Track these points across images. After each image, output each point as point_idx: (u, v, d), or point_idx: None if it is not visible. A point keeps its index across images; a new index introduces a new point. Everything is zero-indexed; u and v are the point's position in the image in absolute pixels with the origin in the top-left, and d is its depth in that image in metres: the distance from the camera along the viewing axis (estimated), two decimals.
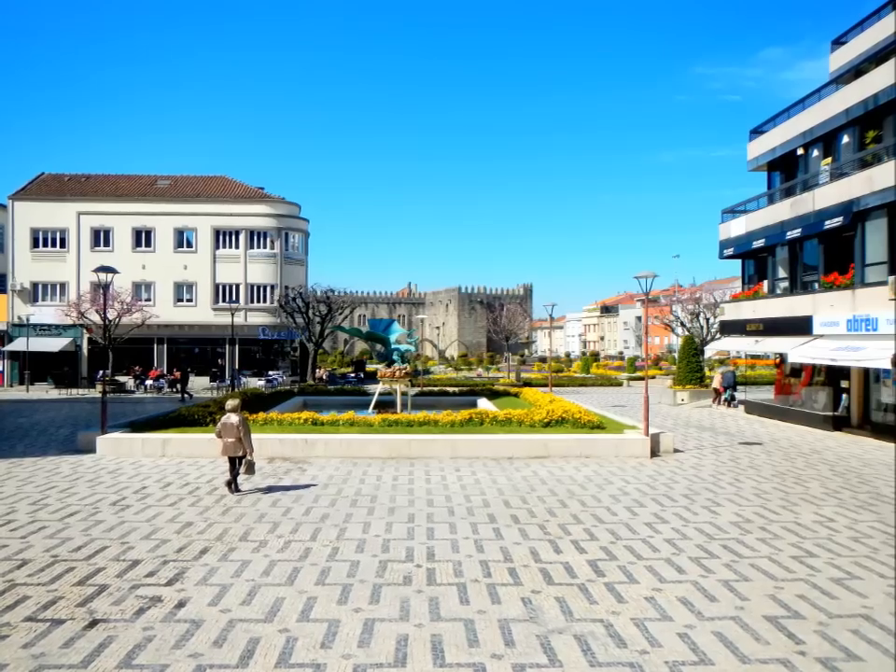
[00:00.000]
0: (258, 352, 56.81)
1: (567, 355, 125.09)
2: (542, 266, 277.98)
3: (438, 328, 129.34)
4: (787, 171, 31.67)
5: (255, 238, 55.82)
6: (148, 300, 53.98)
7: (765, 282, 32.40)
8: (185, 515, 13.32)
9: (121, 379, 49.02)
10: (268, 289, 56.00)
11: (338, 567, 10.28)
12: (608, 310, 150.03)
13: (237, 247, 55.53)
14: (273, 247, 56.11)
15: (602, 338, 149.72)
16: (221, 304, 53.62)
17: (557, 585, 9.53)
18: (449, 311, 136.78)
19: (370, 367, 64.40)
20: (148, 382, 48.21)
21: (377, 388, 28.50)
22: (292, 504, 14.20)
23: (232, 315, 46.31)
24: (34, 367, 51.06)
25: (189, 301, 55.29)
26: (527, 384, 49.02)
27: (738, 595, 9.15)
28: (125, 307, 48.11)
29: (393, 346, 27.87)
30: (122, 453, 20.18)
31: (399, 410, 25.80)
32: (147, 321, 50.39)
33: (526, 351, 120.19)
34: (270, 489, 15.64)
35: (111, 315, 44.75)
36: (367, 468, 18.32)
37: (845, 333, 24.45)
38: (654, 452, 20.68)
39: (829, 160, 27.79)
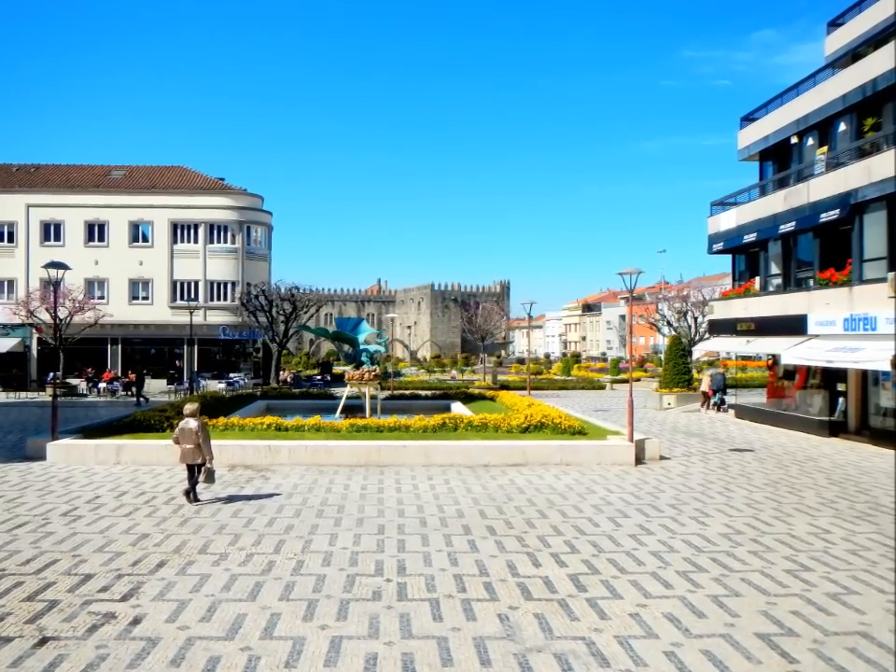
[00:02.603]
0: (218, 353, 56.60)
1: (547, 356, 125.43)
2: (520, 262, 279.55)
3: (409, 327, 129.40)
4: (780, 161, 31.87)
5: (215, 232, 55.57)
6: (102, 297, 53.64)
7: (757, 279, 32.58)
8: (140, 526, 13.21)
9: (73, 381, 48.41)
10: (229, 286, 55.75)
11: (303, 581, 10.23)
12: (590, 308, 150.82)
13: (196, 242, 55.22)
14: (234, 242, 55.88)
15: (584, 338, 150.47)
16: (179, 302, 53.21)
17: (536, 601, 9.53)
18: (421, 309, 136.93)
19: (337, 369, 64.03)
20: (102, 385, 47.75)
21: (345, 391, 28.46)
22: (255, 514, 14.12)
23: (191, 313, 45.95)
24: None
25: (144, 298, 54.97)
26: (504, 386, 49.03)
27: (728, 612, 9.18)
28: (77, 305, 47.75)
29: (361, 347, 27.75)
30: (74, 460, 20.00)
31: (368, 414, 25.73)
32: (101, 320, 49.87)
33: (503, 352, 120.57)
34: (231, 498, 15.55)
35: (62, 313, 44.41)
36: (334, 476, 18.26)
37: (841, 333, 24.60)
38: (639, 459, 20.72)
39: (825, 149, 27.99)
